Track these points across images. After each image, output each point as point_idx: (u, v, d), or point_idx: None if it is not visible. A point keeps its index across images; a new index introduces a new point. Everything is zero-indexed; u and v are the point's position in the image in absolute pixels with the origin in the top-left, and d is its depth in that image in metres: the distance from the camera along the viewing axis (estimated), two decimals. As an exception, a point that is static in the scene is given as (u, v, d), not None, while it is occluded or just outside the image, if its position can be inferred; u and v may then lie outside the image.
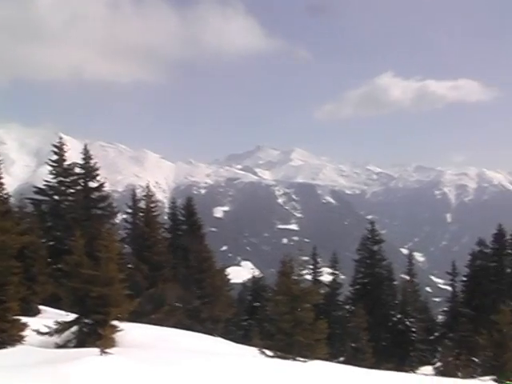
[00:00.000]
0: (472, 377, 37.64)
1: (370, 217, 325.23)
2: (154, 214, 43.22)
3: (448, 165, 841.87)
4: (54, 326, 19.94)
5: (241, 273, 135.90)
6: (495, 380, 32.53)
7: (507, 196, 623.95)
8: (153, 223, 42.50)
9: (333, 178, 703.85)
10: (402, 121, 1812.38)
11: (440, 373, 42.42)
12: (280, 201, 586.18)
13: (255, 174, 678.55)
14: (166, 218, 51.22)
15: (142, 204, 44.73)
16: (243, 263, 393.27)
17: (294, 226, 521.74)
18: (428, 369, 51.65)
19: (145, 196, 44.25)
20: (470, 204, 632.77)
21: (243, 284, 74.57)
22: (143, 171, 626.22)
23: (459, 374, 39.87)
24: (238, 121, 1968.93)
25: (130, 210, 47.11)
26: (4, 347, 18.34)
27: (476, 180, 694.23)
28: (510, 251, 62.36)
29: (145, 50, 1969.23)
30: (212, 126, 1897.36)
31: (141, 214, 44.06)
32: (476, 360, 43.67)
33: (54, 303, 29.47)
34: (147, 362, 10.75)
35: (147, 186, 45.86)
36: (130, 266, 37.87)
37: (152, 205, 43.21)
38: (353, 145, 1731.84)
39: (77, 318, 20.23)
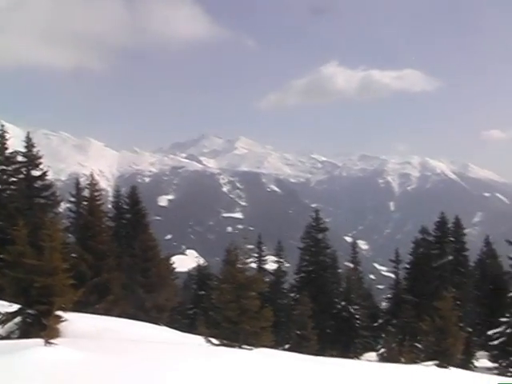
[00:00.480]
0: (415, 362, 38.22)
1: (314, 205, 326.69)
2: (98, 202, 42.65)
3: (392, 154, 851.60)
4: (-3, 317, 19.63)
5: (186, 261, 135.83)
6: (437, 365, 33.14)
7: (449, 185, 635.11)
8: (97, 212, 41.95)
9: (277, 167, 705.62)
10: (347, 110, 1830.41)
11: (383, 359, 42.92)
12: (225, 189, 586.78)
13: (200, 162, 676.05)
14: (110, 206, 50.69)
15: (86, 193, 44.14)
16: (188, 252, 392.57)
17: (238, 215, 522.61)
18: (372, 355, 52.29)
19: (88, 185, 43.62)
20: (413, 192, 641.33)
21: (188, 273, 74.52)
22: (87, 160, 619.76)
23: (402, 359, 40.39)
24: (183, 109, 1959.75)
25: (73, 199, 46.47)
26: None
27: (419, 169, 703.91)
28: (451, 239, 63.39)
29: (89, 38, 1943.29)
30: (157, 114, 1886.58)
31: (84, 203, 43.44)
32: (419, 346, 44.33)
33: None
34: (94, 352, 10.65)
35: (91, 175, 45.27)
36: (74, 255, 37.38)
37: (96, 193, 42.61)
38: (297, 133, 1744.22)
39: (20, 309, 19.91)
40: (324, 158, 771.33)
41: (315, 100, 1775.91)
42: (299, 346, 41.33)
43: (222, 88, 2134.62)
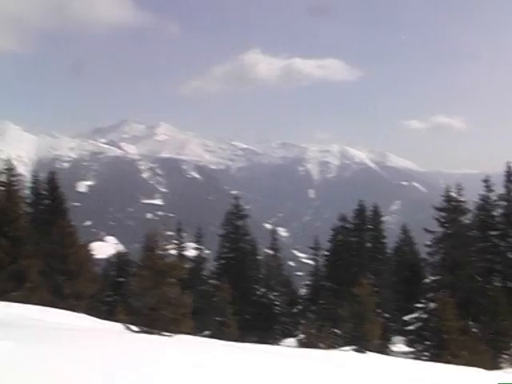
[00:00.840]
0: (333, 347, 38.80)
1: (234, 192, 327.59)
2: (16, 188, 41.73)
3: (312, 142, 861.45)
4: None
5: (105, 248, 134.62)
6: (356, 350, 33.72)
7: (368, 173, 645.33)
8: (14, 198, 41.02)
9: (198, 153, 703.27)
10: (268, 97, 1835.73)
11: (302, 344, 43.36)
12: (145, 175, 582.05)
13: (120, 148, 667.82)
14: (27, 192, 49.67)
15: (3, 178, 43.13)
16: (107, 238, 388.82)
17: (158, 201, 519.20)
18: (291, 341, 52.75)
19: (5, 170, 42.65)
20: (333, 180, 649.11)
21: (107, 259, 73.62)
22: (4, 144, 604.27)
23: (321, 345, 40.92)
24: (104, 94, 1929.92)
25: (-11, 184, 45.38)
26: None
27: (339, 157, 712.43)
28: (370, 226, 64.39)
29: (7, 19, 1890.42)
30: (76, 99, 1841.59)
31: (1, 189, 42.48)
32: (337, 331, 45.01)
33: None
34: (17, 341, 10.39)
35: (8, 160, 44.25)
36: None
37: (13, 179, 41.70)
38: (218, 120, 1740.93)
39: None
40: (244, 145, 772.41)
41: (237, 87, 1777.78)
42: (219, 333, 41.42)
43: (144, 74, 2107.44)
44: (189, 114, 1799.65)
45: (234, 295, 48.22)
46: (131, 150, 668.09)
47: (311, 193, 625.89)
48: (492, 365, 36.88)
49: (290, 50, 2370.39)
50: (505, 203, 59.17)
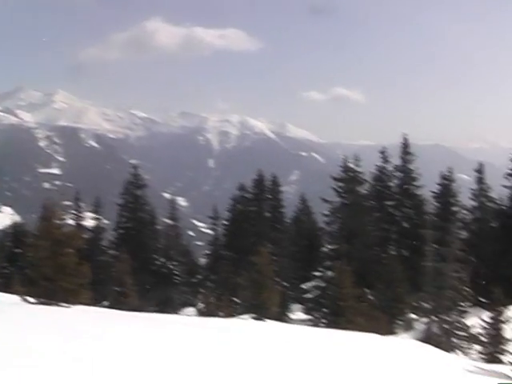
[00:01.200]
0: (232, 316, 39.11)
1: (133, 161, 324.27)
2: None
3: (212, 112, 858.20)
4: None
5: (0, 219, 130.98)
6: (254, 318, 34.10)
7: (268, 143, 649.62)
8: None
9: (96, 122, 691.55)
10: (169, 67, 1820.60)
11: (202, 313, 43.54)
12: (41, 144, 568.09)
13: (16, 115, 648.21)
14: None
15: None
16: (3, 209, 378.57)
17: (56, 171, 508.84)
18: (191, 310, 52.92)
19: None
20: (233, 150, 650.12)
21: (3, 230, 71.87)
22: None
23: (220, 313, 41.18)
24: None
25: None
26: None
27: (238, 127, 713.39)
28: (269, 196, 64.93)
29: None
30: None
31: None
32: (237, 300, 45.39)
33: None
34: None
35: None
36: None
37: None
38: (117, 89, 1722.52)
39: None
40: (143, 114, 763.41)
41: (137, 55, 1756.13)
42: (118, 303, 41.07)
43: (41, 39, 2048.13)
44: (87, 82, 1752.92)
45: (133, 265, 47.78)
46: (27, 118, 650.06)
47: (211, 162, 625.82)
48: (387, 330, 38.03)
49: (192, 19, 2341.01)
50: (400, 174, 60.79)
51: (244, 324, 26.47)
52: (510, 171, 59.32)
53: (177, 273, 59.26)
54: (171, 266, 59.23)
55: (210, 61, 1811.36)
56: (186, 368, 8.37)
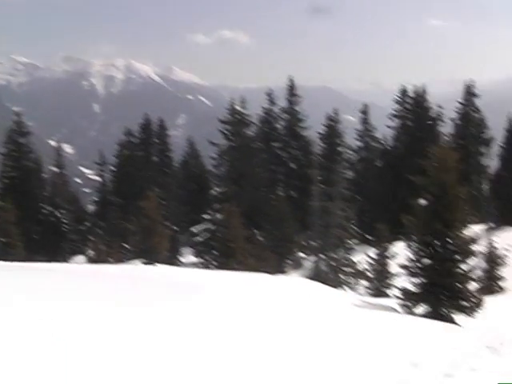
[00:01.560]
0: (123, 261, 39.05)
1: (16, 109, 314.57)
2: None
3: (97, 56, 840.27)
4: None
5: None
6: (145, 263, 34.16)
7: (154, 87, 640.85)
8: None
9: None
10: (52, 8, 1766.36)
11: (92, 261, 43.23)
12: None
13: None
14: None
15: None
16: None
17: None
18: (80, 258, 52.43)
19: None
20: (118, 95, 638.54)
21: None
22: None
23: (111, 260, 41.00)
24: None
25: None
26: None
27: (124, 71, 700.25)
28: (156, 140, 64.60)
29: None
30: None
31: None
32: (126, 246, 45.23)
33: None
34: None
35: None
36: None
37: None
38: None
39: None
40: (25, 59, 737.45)
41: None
42: (5, 254, 40.21)
43: None
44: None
45: (19, 215, 46.68)
46: None
47: (96, 107, 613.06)
48: (277, 269, 38.86)
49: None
50: (287, 116, 61.47)
51: (134, 269, 26.43)
52: (393, 112, 60.99)
53: (65, 221, 58.35)
54: (59, 215, 58.24)
55: (93, 0, 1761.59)
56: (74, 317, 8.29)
